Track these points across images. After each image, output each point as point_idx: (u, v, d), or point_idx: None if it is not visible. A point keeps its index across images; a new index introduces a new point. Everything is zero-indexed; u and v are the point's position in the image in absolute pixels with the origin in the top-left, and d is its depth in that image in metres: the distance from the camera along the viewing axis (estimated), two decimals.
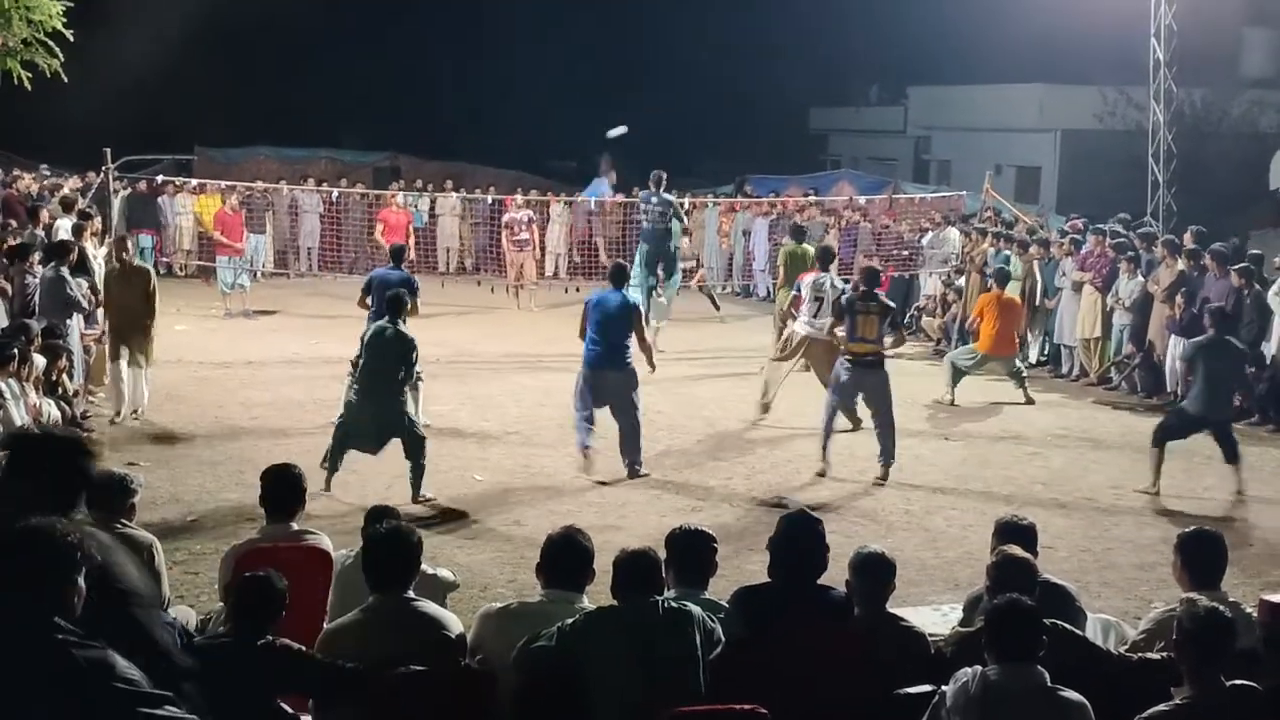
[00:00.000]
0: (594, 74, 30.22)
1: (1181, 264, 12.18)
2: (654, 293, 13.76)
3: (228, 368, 12.56)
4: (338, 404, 9.86)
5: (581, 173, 27.53)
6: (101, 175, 15.42)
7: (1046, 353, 14.19)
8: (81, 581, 3.01)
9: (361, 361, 8.35)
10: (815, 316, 10.26)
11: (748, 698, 3.74)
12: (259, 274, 17.92)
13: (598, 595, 4.26)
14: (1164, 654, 4.00)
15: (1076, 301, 13.25)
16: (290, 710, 3.92)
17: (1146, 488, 8.87)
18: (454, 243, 20.41)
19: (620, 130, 14.89)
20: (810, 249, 12.92)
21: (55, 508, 3.23)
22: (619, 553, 4.10)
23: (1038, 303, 13.75)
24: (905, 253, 17.16)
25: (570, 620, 3.92)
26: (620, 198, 18.59)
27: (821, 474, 9.05)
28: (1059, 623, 4.05)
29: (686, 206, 19.28)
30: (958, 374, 12.02)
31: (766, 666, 3.93)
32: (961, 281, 14.77)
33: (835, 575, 4.38)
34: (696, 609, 4.01)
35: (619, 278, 9.17)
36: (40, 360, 8.51)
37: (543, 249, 19.27)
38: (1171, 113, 16.16)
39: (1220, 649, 3.62)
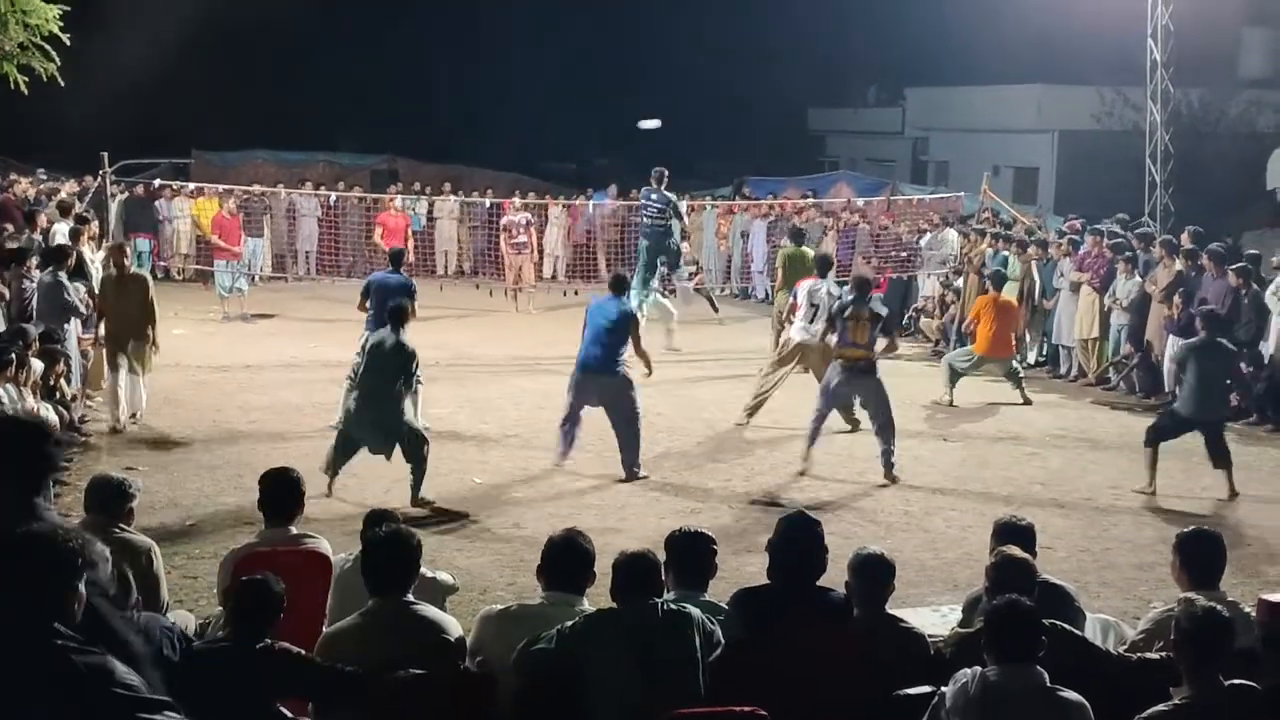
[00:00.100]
0: (591, 77, 30.25)
1: (1179, 264, 12.19)
2: (655, 290, 13.79)
3: (226, 371, 12.56)
4: (336, 408, 9.88)
5: (580, 175, 27.58)
6: (99, 179, 15.42)
7: (1045, 353, 14.20)
8: (82, 587, 3.01)
9: (361, 370, 8.38)
10: (810, 323, 10.33)
11: (747, 699, 3.74)
12: (257, 278, 17.92)
13: (597, 597, 4.26)
14: (1163, 654, 4.00)
15: (1074, 302, 13.26)
16: (289, 714, 3.92)
17: (1143, 488, 8.88)
18: (452, 246, 20.40)
19: (653, 123, 14.77)
20: (809, 251, 12.92)
21: (19, 493, 3.23)
22: (618, 555, 4.10)
23: (1036, 303, 13.78)
24: (904, 254, 17.17)
25: (570, 623, 3.92)
26: (619, 203, 18.59)
27: (802, 473, 9.07)
28: (1058, 623, 4.05)
29: (685, 208, 19.32)
30: (955, 375, 12.04)
31: (766, 668, 3.93)
32: (960, 283, 14.78)
33: (834, 577, 4.38)
34: (696, 611, 4.01)
35: (619, 287, 9.22)
36: (38, 365, 8.50)
37: (541, 252, 19.27)
38: (1169, 113, 16.17)
39: (1218, 649, 3.62)
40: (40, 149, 21.54)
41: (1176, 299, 11.67)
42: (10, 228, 13.02)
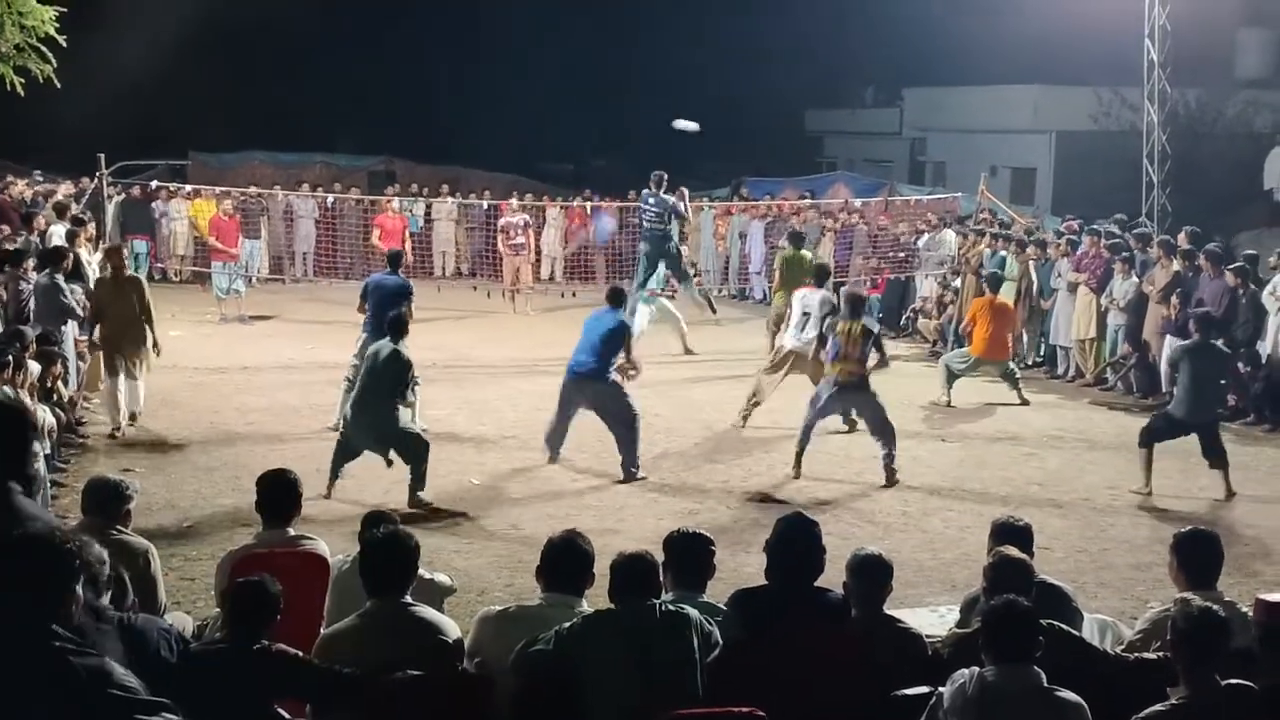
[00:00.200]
0: (589, 77, 30.23)
1: (1177, 264, 12.20)
2: (657, 295, 13.77)
3: (223, 373, 12.55)
4: (333, 409, 9.90)
5: (577, 175, 27.56)
6: (95, 180, 15.40)
7: (1042, 354, 14.21)
8: (80, 590, 3.01)
9: (358, 376, 8.42)
10: (801, 331, 10.37)
11: (745, 700, 3.74)
12: (254, 279, 17.92)
13: (595, 599, 4.25)
14: (1160, 654, 4.00)
15: (1072, 302, 13.28)
16: (287, 716, 3.91)
17: (1139, 488, 8.89)
18: (450, 247, 20.40)
19: (690, 125, 14.56)
20: (808, 255, 12.94)
21: None
22: (616, 556, 4.10)
23: (1033, 303, 13.79)
24: (902, 254, 17.19)
25: (568, 624, 3.92)
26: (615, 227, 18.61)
27: (795, 478, 9.07)
28: (1055, 623, 4.06)
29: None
30: (952, 376, 12.06)
31: (764, 669, 3.93)
32: (958, 283, 14.80)
33: (832, 577, 4.38)
34: (694, 612, 4.01)
35: (615, 299, 9.28)
36: (35, 367, 8.49)
37: (538, 253, 19.27)
38: (1166, 113, 16.19)
39: (1214, 648, 3.63)
40: (36, 150, 21.51)
41: (1174, 299, 11.69)
42: (7, 229, 13.02)
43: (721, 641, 4.01)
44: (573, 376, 9.06)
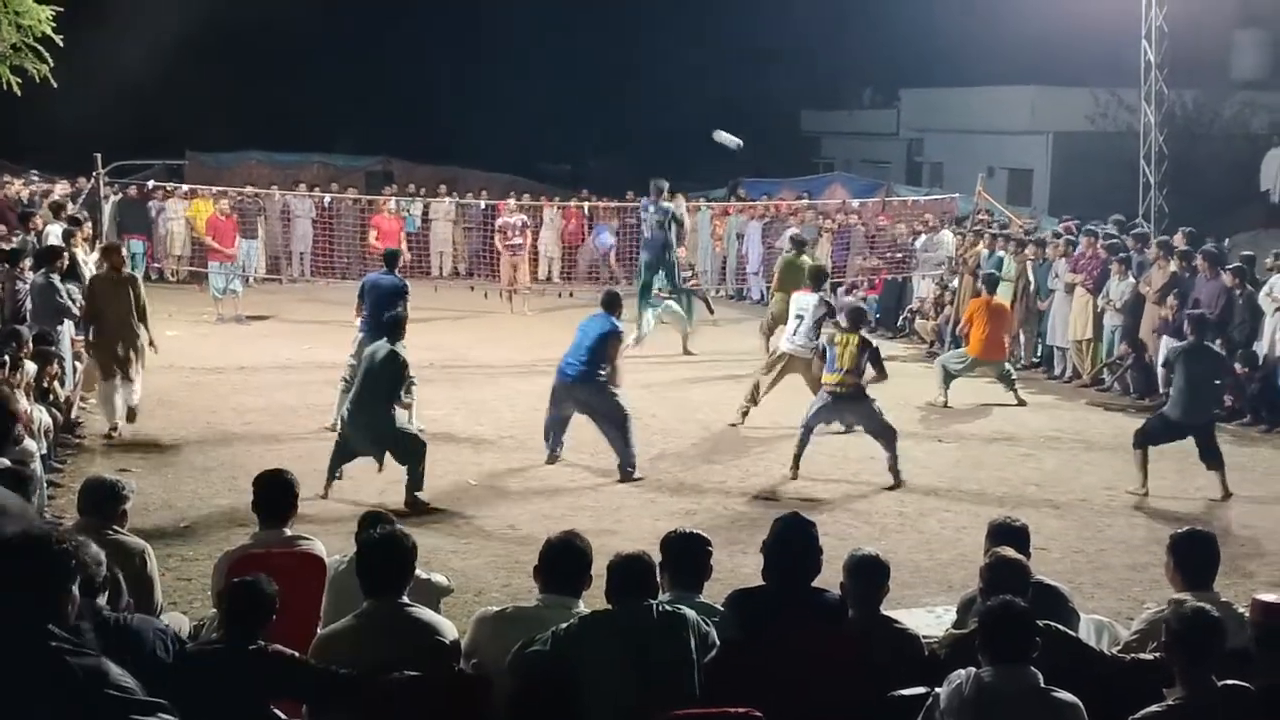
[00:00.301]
0: (587, 78, 30.22)
1: (1174, 265, 12.21)
2: (655, 302, 13.75)
3: (220, 373, 12.54)
4: (331, 409, 9.89)
5: (575, 176, 27.54)
6: (92, 180, 15.38)
7: (1039, 355, 14.23)
8: (76, 590, 3.00)
9: (355, 377, 8.42)
10: (795, 334, 10.39)
11: (742, 700, 3.74)
12: (251, 279, 17.90)
13: (592, 600, 4.25)
14: (1156, 655, 4.01)
15: (1068, 303, 13.29)
16: (283, 716, 3.91)
17: (1136, 489, 8.89)
18: (447, 247, 20.40)
19: (731, 140, 14.44)
20: (809, 260, 12.97)
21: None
22: (613, 556, 4.10)
23: (1030, 304, 13.80)
24: (899, 255, 17.20)
25: (565, 624, 3.92)
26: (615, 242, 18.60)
27: (793, 478, 9.07)
28: (1052, 624, 4.06)
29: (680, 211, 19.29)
30: (949, 377, 12.07)
31: (761, 669, 3.93)
32: (955, 283, 14.81)
33: (829, 578, 4.38)
34: (691, 612, 4.02)
35: (610, 304, 9.26)
36: (31, 367, 8.48)
37: (535, 253, 19.27)
38: (1163, 114, 16.21)
39: (1208, 649, 3.63)
40: (33, 150, 21.48)
41: (1171, 300, 11.70)
42: (4, 229, 13.01)
43: (718, 642, 4.01)
44: (561, 379, 9.10)
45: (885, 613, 4.32)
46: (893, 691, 3.90)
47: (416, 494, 8.16)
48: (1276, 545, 7.92)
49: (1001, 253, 14.28)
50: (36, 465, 7.15)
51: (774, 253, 18.17)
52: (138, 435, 9.84)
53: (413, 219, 19.86)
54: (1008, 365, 12.50)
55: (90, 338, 10.00)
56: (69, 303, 9.92)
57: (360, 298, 10.20)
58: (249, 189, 18.99)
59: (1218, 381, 9.48)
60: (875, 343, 9.42)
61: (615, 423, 9.00)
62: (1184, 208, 15.88)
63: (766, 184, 22.91)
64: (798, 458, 9.09)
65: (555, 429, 9.30)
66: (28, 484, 5.37)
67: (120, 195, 18.30)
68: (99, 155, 14.87)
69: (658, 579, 4.14)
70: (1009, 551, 4.40)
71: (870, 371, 9.05)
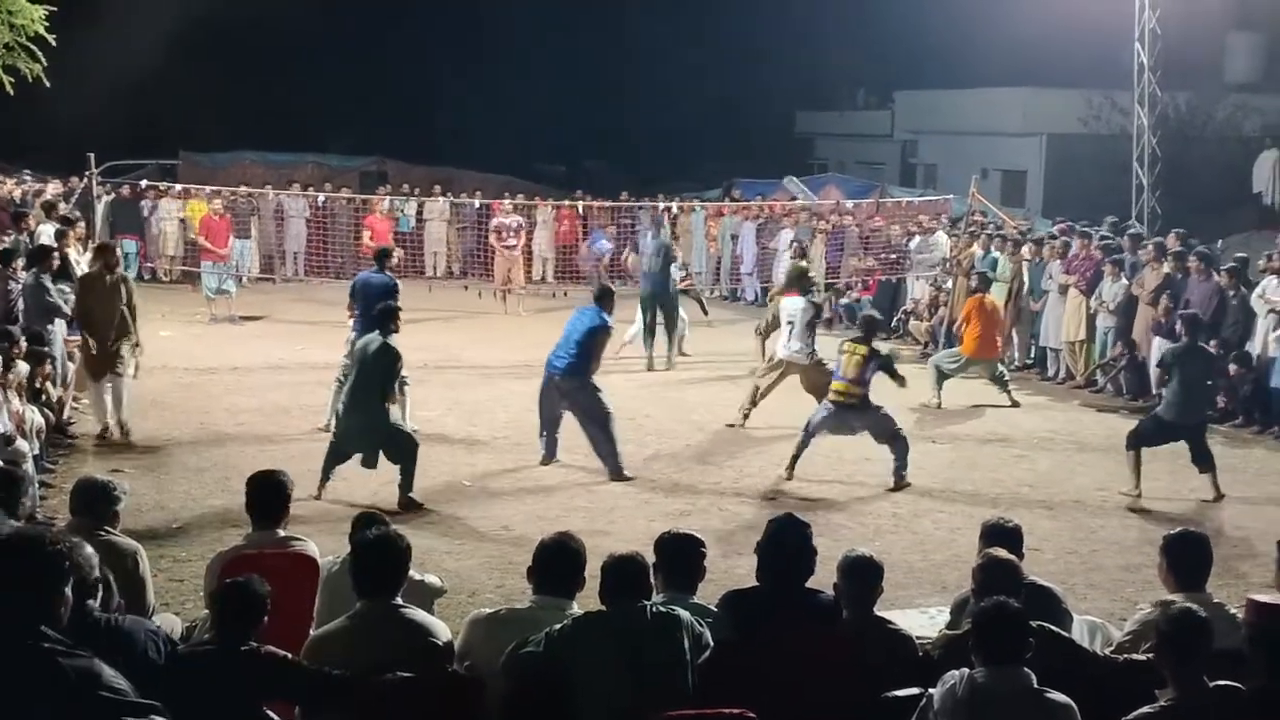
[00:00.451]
0: (582, 78, 30.23)
1: (1167, 267, 12.25)
2: (655, 330, 13.70)
3: (213, 374, 12.51)
4: (324, 410, 9.88)
5: (570, 176, 27.54)
6: (85, 180, 15.35)
7: (1033, 356, 14.25)
8: (69, 591, 3.00)
9: (350, 372, 8.40)
10: (789, 340, 10.38)
11: (736, 701, 3.74)
12: (244, 279, 17.87)
13: (586, 600, 4.25)
14: (1149, 655, 4.01)
15: (1062, 305, 13.32)
16: (276, 718, 3.90)
17: (1129, 491, 8.90)
18: (441, 247, 20.37)
19: (797, 187, 14.50)
20: (805, 265, 12.98)
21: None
22: (607, 557, 4.10)
23: (1023, 304, 13.83)
24: (893, 256, 17.22)
25: (558, 625, 3.91)
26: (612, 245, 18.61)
27: (787, 479, 9.06)
28: (1045, 625, 4.06)
29: (675, 211, 19.31)
30: (942, 377, 12.09)
31: (755, 670, 3.92)
32: (950, 284, 14.83)
33: (823, 579, 4.39)
34: (685, 613, 4.01)
35: (602, 299, 9.23)
36: (23, 366, 8.45)
37: (529, 253, 19.26)
38: (1156, 117, 16.25)
39: (1197, 649, 3.64)
40: (25, 150, 21.44)
41: (1164, 301, 11.73)
42: None
43: (712, 643, 4.00)
44: (548, 374, 9.06)
45: (879, 613, 4.32)
46: (886, 692, 3.90)
47: (410, 494, 8.14)
48: (1268, 546, 7.86)
49: (997, 253, 14.31)
50: (29, 466, 7.15)
51: (768, 254, 18.21)
52: (130, 436, 9.79)
53: (407, 219, 19.84)
54: (1000, 366, 12.52)
55: (85, 337, 9.98)
56: (59, 301, 9.89)
57: (352, 297, 10.19)
58: (242, 189, 18.95)
59: (1210, 382, 9.50)
60: (886, 351, 9.35)
61: (598, 422, 8.96)
62: (1176, 210, 15.93)
63: (761, 185, 22.93)
64: (795, 459, 9.08)
65: (548, 429, 9.27)
66: (19, 485, 5.35)
67: (113, 195, 18.27)
68: (92, 155, 14.83)
69: (651, 580, 4.14)
70: (1000, 552, 4.40)
71: (893, 380, 9.02)
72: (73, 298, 10.02)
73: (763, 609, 4.24)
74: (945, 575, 7.09)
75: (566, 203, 20.52)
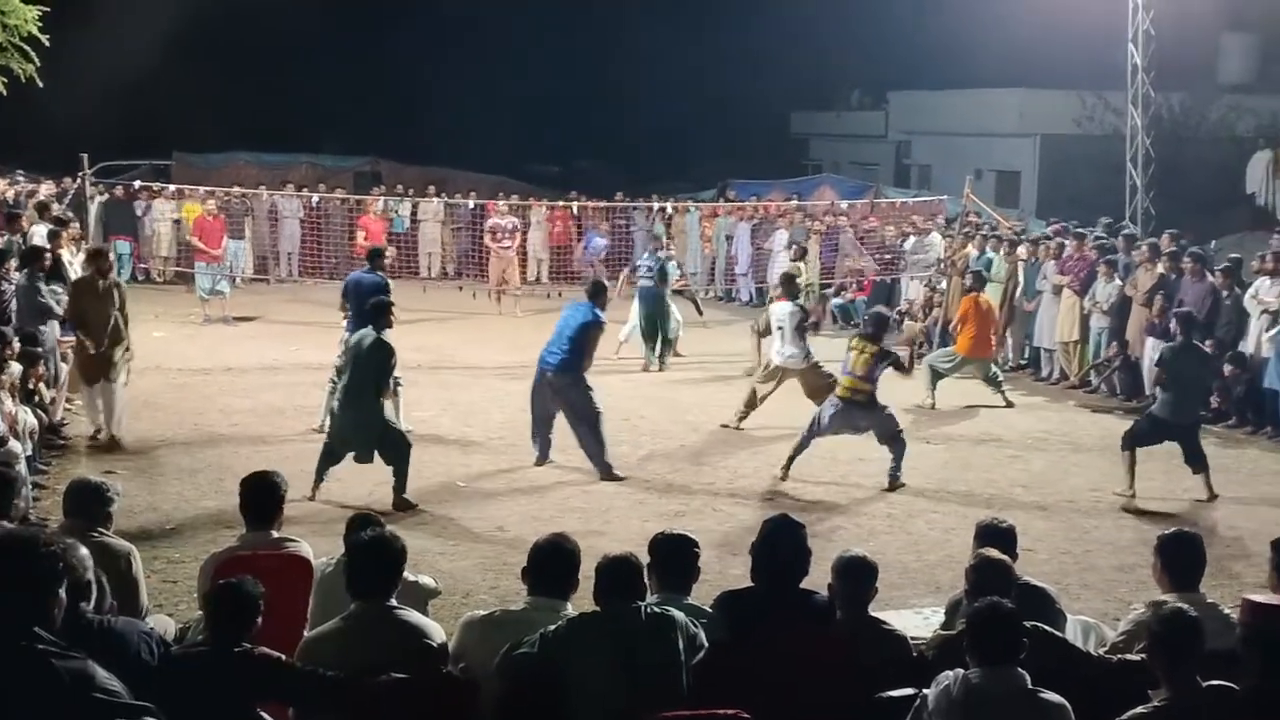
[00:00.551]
0: (576, 79, 30.23)
1: (1161, 267, 12.27)
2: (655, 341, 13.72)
3: (207, 374, 12.49)
4: (318, 410, 9.86)
5: (564, 177, 27.54)
6: (78, 181, 15.31)
7: (1026, 356, 14.28)
8: (63, 593, 2.99)
9: (344, 370, 8.38)
10: (782, 346, 10.38)
11: (730, 702, 3.74)
12: (238, 280, 17.84)
13: (581, 601, 4.25)
14: (1143, 655, 4.02)
15: (1056, 305, 13.35)
16: (269, 719, 3.89)
17: (1123, 491, 8.92)
18: (435, 248, 20.36)
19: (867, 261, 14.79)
20: (802, 268, 13.03)
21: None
22: (601, 558, 4.10)
23: (1016, 303, 13.85)
24: (888, 256, 17.24)
25: (553, 627, 3.91)
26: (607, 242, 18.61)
27: (782, 479, 9.06)
28: (1039, 625, 4.07)
29: (669, 211, 19.33)
30: (936, 376, 12.11)
31: (749, 671, 3.93)
32: (945, 285, 14.86)
33: (817, 579, 4.39)
34: (679, 614, 4.01)
35: (595, 293, 9.21)
36: (17, 368, 8.43)
37: (524, 254, 19.24)
38: (1149, 118, 16.28)
39: (1188, 649, 3.65)
40: (18, 150, 21.37)
41: (1159, 301, 11.75)
42: None
43: (707, 643, 4.00)
44: (540, 370, 9.05)
45: (873, 614, 4.32)
46: (881, 693, 3.91)
47: (403, 494, 8.13)
48: (1262, 546, 7.89)
49: (992, 253, 14.33)
50: (21, 467, 7.12)
51: (763, 254, 18.22)
52: (123, 437, 9.77)
53: (401, 220, 19.82)
54: (994, 367, 12.54)
55: (75, 338, 9.95)
56: (52, 302, 9.86)
57: (344, 297, 10.18)
58: (236, 189, 18.92)
59: (1206, 382, 9.52)
60: (895, 351, 9.34)
61: (587, 420, 8.95)
62: (1170, 210, 15.95)
63: (755, 185, 22.95)
64: (791, 460, 9.08)
65: (541, 429, 9.25)
66: (12, 486, 5.33)
67: (106, 196, 18.22)
68: (85, 155, 14.80)
69: (646, 581, 4.14)
70: (993, 552, 4.41)
71: (900, 374, 9.07)
72: (65, 299, 9.99)
73: (757, 609, 4.24)
74: (939, 576, 7.10)
75: (561, 203, 20.53)
